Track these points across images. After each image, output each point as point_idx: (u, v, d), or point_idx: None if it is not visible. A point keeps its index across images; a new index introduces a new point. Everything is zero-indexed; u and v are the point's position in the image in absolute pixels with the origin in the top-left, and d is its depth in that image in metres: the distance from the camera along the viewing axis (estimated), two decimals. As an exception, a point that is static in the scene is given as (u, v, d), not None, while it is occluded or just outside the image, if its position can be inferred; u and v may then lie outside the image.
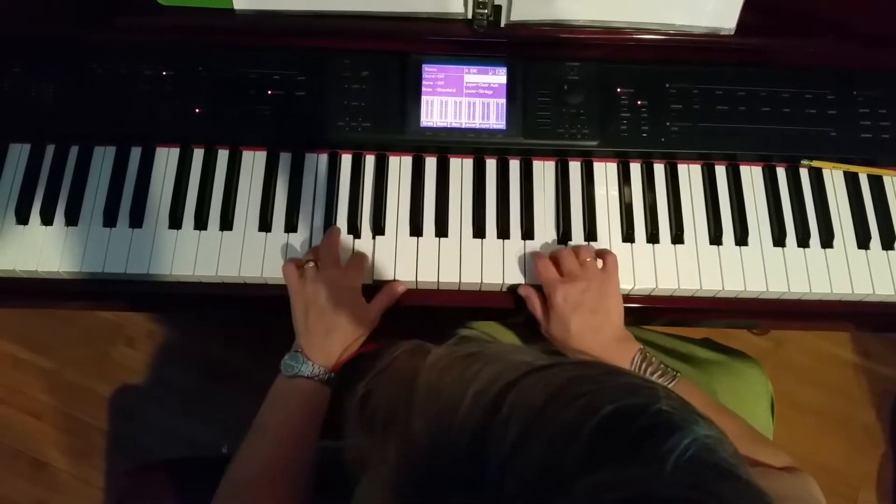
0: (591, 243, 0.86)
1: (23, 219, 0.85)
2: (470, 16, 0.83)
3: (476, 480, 0.32)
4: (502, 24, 0.84)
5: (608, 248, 0.86)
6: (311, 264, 0.80)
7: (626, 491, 0.31)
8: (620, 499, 0.30)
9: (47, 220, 0.85)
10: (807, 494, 0.68)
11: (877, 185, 0.90)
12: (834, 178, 0.90)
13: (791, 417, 1.49)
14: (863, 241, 0.87)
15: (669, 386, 0.74)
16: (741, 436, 0.74)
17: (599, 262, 0.82)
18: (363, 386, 0.46)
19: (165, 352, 1.53)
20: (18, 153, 0.88)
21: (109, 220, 0.85)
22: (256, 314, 1.35)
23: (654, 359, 0.78)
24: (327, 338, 0.77)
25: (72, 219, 0.85)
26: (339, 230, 0.84)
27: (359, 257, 0.83)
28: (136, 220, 0.85)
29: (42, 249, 0.84)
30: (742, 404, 0.93)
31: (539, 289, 0.82)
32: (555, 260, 0.82)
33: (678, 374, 0.77)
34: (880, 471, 1.51)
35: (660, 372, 0.76)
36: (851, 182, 0.90)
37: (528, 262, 0.85)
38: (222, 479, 0.73)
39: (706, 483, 0.32)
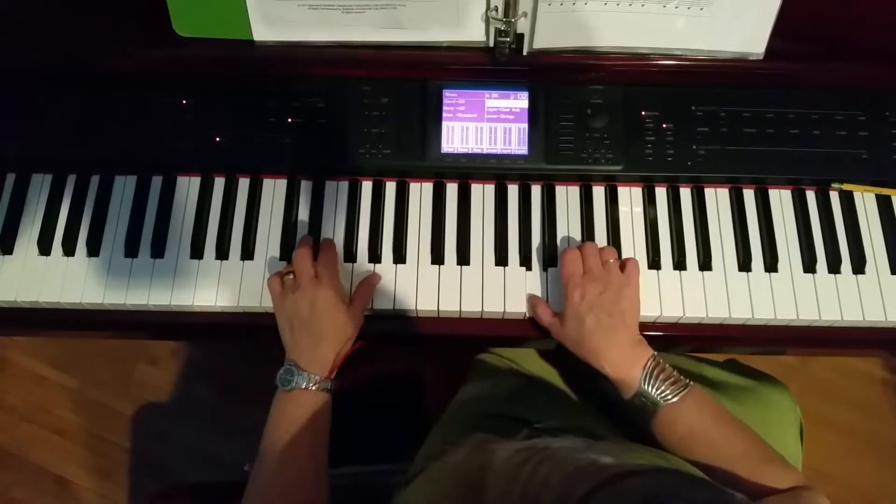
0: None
1: (45, 250, 0.86)
2: (492, 44, 0.82)
3: None
4: (524, 52, 0.83)
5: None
6: (291, 277, 0.79)
7: None
8: None
9: (69, 250, 0.86)
10: None
11: (910, 208, 0.88)
12: (865, 201, 0.88)
13: (818, 435, 1.46)
14: (896, 267, 0.85)
15: (682, 394, 0.74)
16: (751, 453, 0.73)
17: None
18: (418, 464, 0.44)
19: (188, 370, 1.54)
20: (41, 183, 0.89)
21: (131, 250, 0.85)
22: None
23: (667, 366, 0.76)
24: (317, 346, 0.77)
25: (93, 249, 0.85)
26: (310, 239, 0.83)
27: (329, 259, 0.81)
28: (158, 250, 0.85)
29: (64, 280, 0.84)
30: (771, 432, 0.91)
31: None
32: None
33: (690, 383, 0.75)
34: (910, 489, 1.48)
35: (672, 379, 0.75)
36: (884, 205, 0.88)
37: (552, 291, 0.84)
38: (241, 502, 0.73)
39: None
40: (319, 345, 0.77)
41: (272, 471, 0.74)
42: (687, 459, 0.71)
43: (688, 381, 0.75)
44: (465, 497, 0.38)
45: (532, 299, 0.83)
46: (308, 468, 0.75)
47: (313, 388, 0.76)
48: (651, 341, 0.79)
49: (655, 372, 0.75)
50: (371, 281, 0.83)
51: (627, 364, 0.76)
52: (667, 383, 0.74)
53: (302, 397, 0.76)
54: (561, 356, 0.89)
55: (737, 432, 0.75)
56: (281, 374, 0.77)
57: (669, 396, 0.74)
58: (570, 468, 0.37)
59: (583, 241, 0.86)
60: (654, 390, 0.74)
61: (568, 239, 0.86)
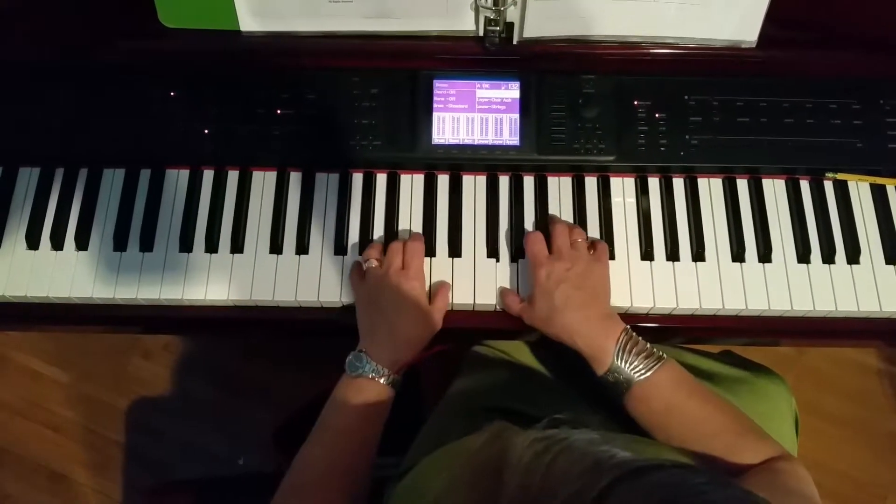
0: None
1: (33, 244, 0.85)
2: (481, 33, 0.81)
3: None
4: (515, 41, 0.82)
5: (626, 266, 0.84)
6: (374, 262, 0.79)
7: None
8: None
9: (57, 244, 0.85)
10: (781, 490, 0.65)
11: (905, 197, 0.87)
12: (860, 190, 0.87)
13: (814, 426, 1.46)
14: (891, 257, 0.84)
15: (655, 368, 0.72)
16: (728, 427, 0.72)
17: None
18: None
19: (182, 364, 1.53)
20: (28, 177, 0.88)
21: (120, 244, 0.84)
22: (272, 336, 1.34)
23: (639, 339, 0.75)
24: (390, 339, 0.76)
25: (82, 243, 0.85)
26: (403, 241, 0.83)
27: (418, 258, 0.81)
28: (147, 243, 0.84)
29: (53, 274, 0.84)
30: (767, 423, 0.90)
31: None
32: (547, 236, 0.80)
33: (664, 357, 0.74)
34: (906, 480, 1.48)
35: (645, 353, 0.73)
36: (879, 195, 0.87)
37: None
38: (283, 479, 0.73)
39: None
40: (394, 336, 0.76)
41: (321, 453, 0.74)
42: (663, 438, 0.70)
43: (662, 354, 0.74)
44: (483, 486, 0.38)
45: (501, 291, 0.82)
46: (356, 457, 0.74)
47: (380, 380, 0.75)
48: (644, 333, 0.78)
49: (629, 346, 0.74)
50: (447, 287, 0.82)
51: (600, 338, 0.74)
52: (640, 357, 0.73)
53: (366, 386, 0.75)
54: (553, 347, 0.88)
55: (712, 406, 0.74)
56: (350, 359, 0.76)
57: (643, 370, 0.72)
58: (590, 460, 0.36)
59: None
60: (626, 365, 0.73)
61: (560, 230, 0.85)
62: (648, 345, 0.75)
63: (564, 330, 0.76)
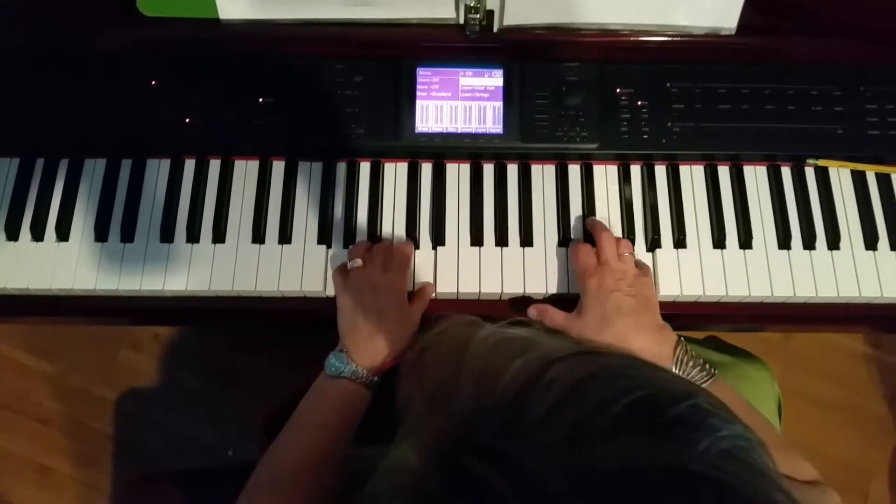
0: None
1: (13, 235, 0.84)
2: (462, 21, 0.81)
3: (510, 434, 0.34)
4: (495, 29, 0.81)
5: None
6: (359, 262, 0.79)
7: (649, 458, 0.31)
8: (642, 464, 0.31)
9: (38, 235, 0.84)
10: None
11: (885, 183, 0.87)
12: (841, 177, 0.88)
13: (801, 410, 1.47)
14: (870, 242, 0.85)
15: (709, 382, 0.73)
16: (778, 444, 0.73)
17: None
18: (421, 341, 0.50)
19: (170, 355, 1.53)
20: (7, 167, 0.87)
21: (101, 234, 0.84)
22: (256, 327, 1.34)
23: (693, 353, 0.75)
24: (371, 340, 0.76)
25: (62, 234, 0.84)
26: (390, 241, 0.83)
27: (403, 260, 0.81)
28: (128, 234, 0.84)
29: (34, 266, 0.83)
30: (749, 408, 0.92)
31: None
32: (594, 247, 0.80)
33: (715, 372, 0.74)
34: (892, 463, 1.49)
35: (700, 367, 0.73)
36: (859, 181, 0.87)
37: (528, 270, 0.83)
38: (254, 471, 0.73)
39: (734, 470, 0.32)
40: (375, 338, 0.76)
41: (295, 448, 0.74)
42: None
43: (713, 369, 0.74)
44: (448, 360, 0.41)
45: (538, 307, 0.80)
46: (330, 454, 0.74)
47: (358, 380, 0.75)
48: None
49: (686, 359, 0.73)
50: (427, 290, 0.82)
51: (656, 346, 0.73)
52: (696, 370, 0.73)
53: (344, 386, 0.75)
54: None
55: (758, 423, 0.74)
56: (330, 359, 0.76)
57: (699, 383, 0.72)
58: (552, 346, 0.39)
59: (559, 220, 0.85)
60: (685, 376, 0.72)
61: (544, 217, 0.86)
62: (701, 359, 0.74)
63: (617, 338, 0.74)
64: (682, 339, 0.76)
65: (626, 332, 0.74)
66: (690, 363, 0.73)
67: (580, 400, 0.34)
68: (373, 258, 0.79)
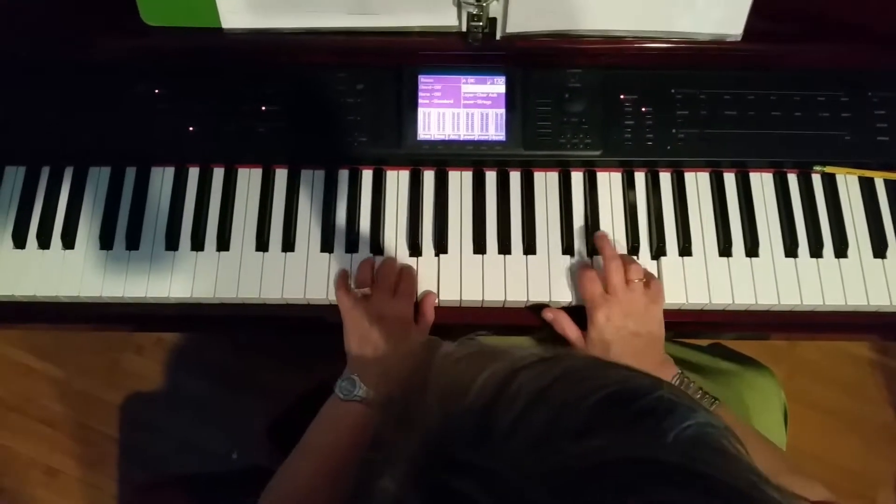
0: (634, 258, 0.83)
1: (20, 243, 0.85)
2: (464, 29, 0.80)
3: (482, 446, 0.34)
4: (498, 37, 0.81)
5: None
6: (367, 291, 0.79)
7: (622, 453, 0.32)
8: (615, 459, 0.32)
9: (44, 243, 0.85)
10: None
11: (894, 190, 0.86)
12: (848, 183, 0.87)
13: (806, 417, 1.46)
14: (879, 250, 0.84)
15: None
16: (782, 469, 0.72)
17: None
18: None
19: (174, 359, 1.53)
20: (14, 176, 0.88)
21: (106, 242, 0.84)
22: (260, 333, 1.34)
23: (691, 384, 0.76)
24: (379, 365, 0.76)
25: (68, 242, 0.84)
26: (394, 259, 0.83)
27: (409, 284, 0.81)
28: (133, 242, 0.84)
29: (40, 273, 0.83)
30: (755, 416, 0.91)
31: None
32: (601, 274, 0.79)
33: (717, 400, 0.75)
34: (899, 471, 1.48)
35: (698, 396, 0.75)
36: (867, 187, 0.87)
37: (531, 278, 0.83)
38: (263, 495, 0.73)
39: (705, 457, 0.33)
40: (382, 363, 0.76)
41: (308, 471, 0.74)
42: None
43: (714, 398, 0.75)
44: (413, 382, 0.41)
45: (555, 314, 0.81)
46: (341, 474, 0.73)
47: (369, 404, 0.75)
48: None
49: (683, 388, 0.74)
50: (431, 299, 0.82)
51: None
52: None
53: (356, 410, 0.75)
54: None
55: (764, 448, 0.75)
56: (341, 383, 0.76)
57: None
58: (514, 355, 0.39)
59: (562, 228, 0.85)
60: None
61: (547, 225, 0.85)
62: (700, 388, 0.75)
63: None
64: (682, 372, 0.77)
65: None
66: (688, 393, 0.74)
67: (548, 403, 0.35)
68: (378, 285, 0.80)
